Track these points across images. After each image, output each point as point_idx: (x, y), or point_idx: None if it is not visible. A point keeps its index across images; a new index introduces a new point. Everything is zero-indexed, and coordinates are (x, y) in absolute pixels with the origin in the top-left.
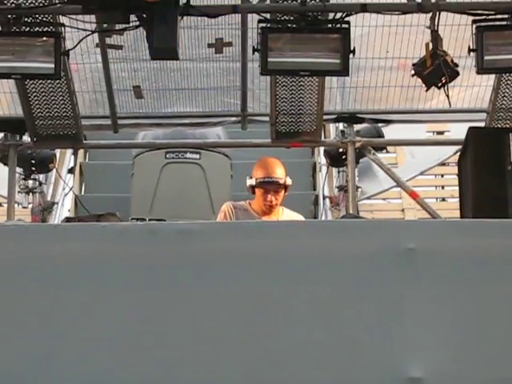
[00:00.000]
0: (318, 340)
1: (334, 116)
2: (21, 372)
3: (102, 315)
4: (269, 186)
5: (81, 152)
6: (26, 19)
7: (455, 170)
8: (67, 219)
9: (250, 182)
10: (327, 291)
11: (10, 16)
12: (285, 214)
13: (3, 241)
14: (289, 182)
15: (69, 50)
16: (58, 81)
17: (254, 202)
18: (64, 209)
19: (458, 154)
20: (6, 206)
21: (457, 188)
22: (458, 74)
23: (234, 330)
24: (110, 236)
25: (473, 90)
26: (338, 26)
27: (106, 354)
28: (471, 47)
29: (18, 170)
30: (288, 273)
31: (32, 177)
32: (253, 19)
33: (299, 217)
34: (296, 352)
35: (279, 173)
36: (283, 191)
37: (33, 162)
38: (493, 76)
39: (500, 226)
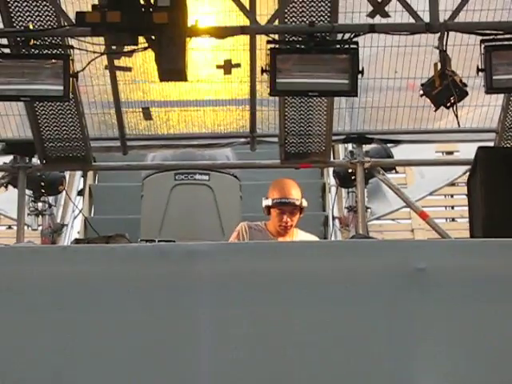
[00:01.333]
0: (328, 360)
1: (343, 136)
2: None
3: (111, 336)
4: (284, 206)
5: (90, 174)
6: (35, 42)
7: (465, 189)
8: (76, 241)
9: (266, 202)
10: (337, 311)
11: (19, 38)
12: (299, 236)
13: (13, 263)
14: (304, 203)
15: (78, 72)
16: (67, 103)
17: (269, 223)
18: (74, 231)
19: (468, 173)
20: (15, 228)
21: (466, 208)
22: (466, 93)
23: (243, 351)
24: (119, 257)
25: (482, 109)
26: (347, 46)
27: (116, 375)
28: (480, 67)
29: (28, 192)
30: (297, 293)
31: (42, 199)
32: (261, 40)
33: (314, 238)
34: (308, 372)
35: (295, 194)
36: (299, 213)
37: (42, 184)
38: (502, 95)
39: (510, 246)
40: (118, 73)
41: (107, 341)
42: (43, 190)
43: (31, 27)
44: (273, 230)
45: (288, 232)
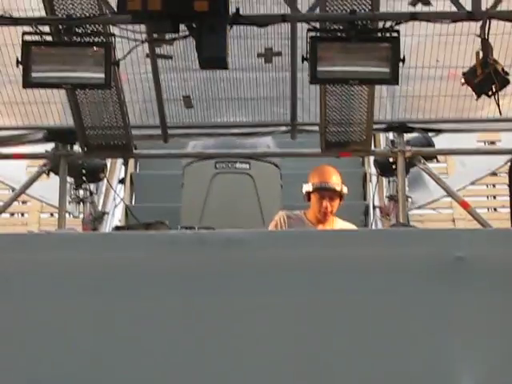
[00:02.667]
0: (368, 348)
1: (383, 125)
2: (70, 378)
3: (152, 323)
4: (325, 192)
5: (131, 162)
6: (76, 29)
7: (507, 179)
8: (117, 228)
9: (307, 187)
10: (377, 299)
11: (61, 26)
12: (338, 224)
13: (55, 249)
14: (345, 190)
15: (119, 59)
16: (108, 91)
17: (309, 211)
18: (114, 219)
19: (510, 163)
20: (57, 215)
21: (508, 198)
22: (508, 82)
23: (285, 338)
24: (159, 244)
25: None
26: (388, 34)
27: (158, 362)
28: None
29: (69, 179)
30: (338, 281)
31: (83, 187)
32: (302, 28)
33: (353, 227)
34: (348, 358)
35: (336, 180)
36: (339, 199)
37: (83, 171)
38: None
39: None
40: (159, 61)
41: (147, 327)
42: (84, 178)
43: (72, 14)
44: (312, 218)
45: (328, 218)
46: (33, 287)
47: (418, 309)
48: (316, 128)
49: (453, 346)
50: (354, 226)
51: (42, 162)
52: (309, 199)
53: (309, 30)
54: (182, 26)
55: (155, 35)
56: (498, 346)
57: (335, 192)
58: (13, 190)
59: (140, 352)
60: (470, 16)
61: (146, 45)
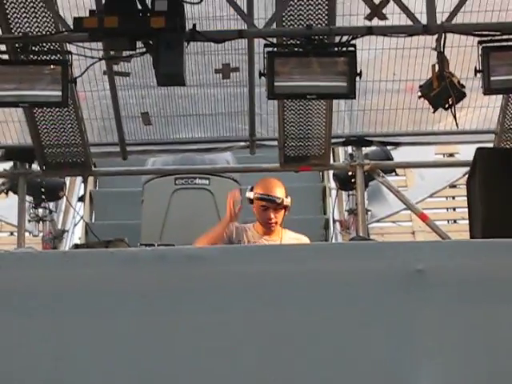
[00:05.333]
0: (327, 362)
1: (342, 139)
2: None
3: (111, 341)
4: (266, 202)
5: (90, 179)
6: (33, 48)
7: (465, 191)
8: (76, 246)
9: (249, 194)
10: (336, 313)
11: (17, 45)
12: (288, 236)
13: (12, 268)
14: (287, 201)
15: (76, 77)
16: (66, 108)
17: (256, 224)
18: (74, 236)
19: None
20: (16, 234)
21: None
22: (464, 95)
23: (243, 354)
24: (118, 262)
25: (480, 111)
26: (345, 49)
27: (116, 380)
28: (478, 68)
29: (28, 198)
30: (297, 296)
31: (42, 205)
32: (259, 44)
33: (304, 238)
34: (306, 375)
35: (279, 192)
36: (283, 210)
37: (42, 190)
38: (500, 96)
39: (510, 246)
40: (116, 78)
41: (107, 345)
42: (43, 196)
43: (29, 32)
44: (259, 230)
45: (273, 229)
46: None
47: (378, 322)
48: (275, 143)
49: (413, 357)
50: (307, 238)
51: (0, 180)
52: (251, 203)
53: (266, 46)
54: (139, 43)
55: (112, 52)
56: (458, 358)
57: (278, 204)
58: None
59: (100, 370)
60: (426, 29)
61: (104, 62)
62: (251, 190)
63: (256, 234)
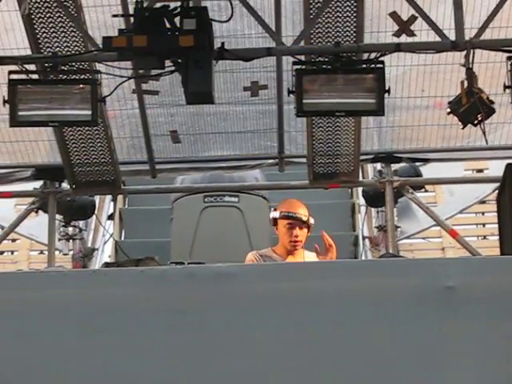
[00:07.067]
0: (358, 381)
1: (371, 156)
2: None
3: (141, 360)
4: (292, 220)
5: (120, 198)
6: (62, 67)
7: (495, 207)
8: (106, 264)
9: (274, 214)
10: (366, 331)
11: (47, 64)
12: (307, 256)
13: (44, 287)
14: (311, 221)
15: (105, 96)
16: (95, 127)
17: (276, 247)
18: (104, 255)
19: (497, 191)
20: (46, 253)
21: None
22: (494, 111)
23: (273, 373)
24: (148, 280)
25: (510, 126)
26: (373, 66)
27: None
28: (506, 84)
29: (58, 217)
30: (328, 313)
31: (72, 224)
32: (287, 61)
33: (315, 258)
34: None
35: (302, 211)
36: (306, 229)
37: (72, 208)
38: None
39: None
40: (145, 96)
41: (136, 364)
42: (73, 215)
43: (58, 51)
44: (281, 252)
45: (297, 248)
46: (23, 325)
47: (409, 339)
48: (303, 160)
49: (444, 375)
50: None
51: (30, 199)
52: (275, 225)
53: (294, 63)
54: (168, 62)
55: (141, 71)
56: (490, 376)
57: (302, 222)
58: (2, 229)
59: None
60: (454, 46)
61: (133, 81)
62: (275, 210)
63: (277, 257)
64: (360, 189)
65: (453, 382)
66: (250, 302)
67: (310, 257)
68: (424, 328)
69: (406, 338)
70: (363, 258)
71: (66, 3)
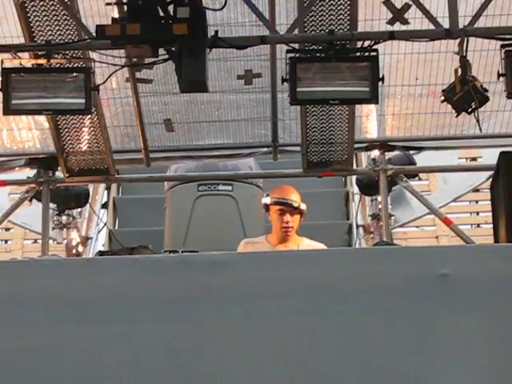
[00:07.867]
0: (352, 367)
1: (365, 144)
2: None
3: (138, 347)
4: (284, 206)
5: (114, 186)
6: (56, 55)
7: (489, 195)
8: (100, 253)
9: (265, 200)
10: (361, 319)
11: (40, 52)
12: (304, 243)
13: (38, 276)
14: (303, 207)
15: (99, 84)
16: (89, 116)
17: (270, 235)
18: (98, 243)
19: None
20: (40, 242)
21: (491, 214)
22: (487, 99)
23: (268, 360)
24: (142, 268)
25: (504, 114)
26: (367, 54)
27: None
28: (500, 72)
29: (52, 205)
30: (323, 301)
31: (66, 212)
32: (281, 50)
33: (321, 246)
34: (332, 379)
35: (295, 197)
36: (299, 215)
37: (66, 197)
38: None
39: None
40: (139, 85)
41: (131, 352)
42: (67, 204)
43: (51, 39)
44: (273, 240)
45: (290, 234)
46: (17, 314)
47: (403, 327)
48: (298, 148)
49: (439, 363)
50: (324, 245)
51: (24, 188)
52: (267, 211)
53: (288, 51)
54: (162, 50)
55: (135, 60)
56: (485, 363)
57: (294, 208)
58: None
59: (124, 376)
60: (448, 34)
61: (126, 69)
62: (267, 196)
63: (268, 245)
64: (354, 177)
65: (447, 369)
66: (244, 289)
67: (311, 245)
68: (418, 315)
69: (401, 325)
70: (357, 246)
71: None
